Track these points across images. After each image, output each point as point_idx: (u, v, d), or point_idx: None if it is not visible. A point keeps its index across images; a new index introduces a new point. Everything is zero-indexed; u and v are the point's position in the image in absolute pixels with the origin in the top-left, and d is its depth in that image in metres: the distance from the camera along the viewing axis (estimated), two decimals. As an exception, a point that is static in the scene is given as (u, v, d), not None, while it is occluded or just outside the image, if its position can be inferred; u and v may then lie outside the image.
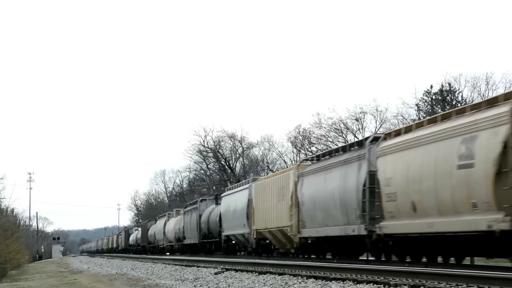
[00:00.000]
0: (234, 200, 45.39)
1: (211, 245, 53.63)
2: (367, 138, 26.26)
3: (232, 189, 48.00)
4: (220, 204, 50.75)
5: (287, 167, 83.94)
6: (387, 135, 24.48)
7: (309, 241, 31.26)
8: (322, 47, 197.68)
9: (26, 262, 65.09)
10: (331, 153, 29.96)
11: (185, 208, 64.11)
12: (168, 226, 72.32)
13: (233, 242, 46.82)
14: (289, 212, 32.83)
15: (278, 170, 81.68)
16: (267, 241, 38.18)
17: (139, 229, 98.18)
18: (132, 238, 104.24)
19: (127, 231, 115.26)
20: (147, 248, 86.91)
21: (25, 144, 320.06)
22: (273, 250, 38.17)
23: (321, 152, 35.02)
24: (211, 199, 58.07)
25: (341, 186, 26.87)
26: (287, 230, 33.16)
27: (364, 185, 24.75)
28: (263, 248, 39.34)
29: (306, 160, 35.64)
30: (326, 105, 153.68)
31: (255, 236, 39.36)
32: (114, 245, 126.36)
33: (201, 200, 58.42)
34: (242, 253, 46.95)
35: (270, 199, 36.26)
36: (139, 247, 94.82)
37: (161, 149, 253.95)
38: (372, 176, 24.28)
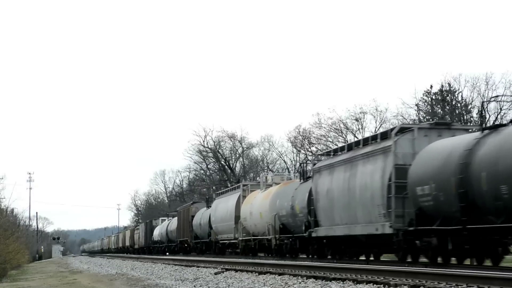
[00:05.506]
0: None
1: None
2: None
3: None
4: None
5: (287, 167, 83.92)
6: None
7: None
8: (322, 47, 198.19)
9: (26, 262, 65.10)
10: None
11: (315, 165, 31.07)
12: (249, 206, 41.29)
13: None
14: None
15: (277, 171, 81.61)
16: None
17: (170, 219, 71.99)
18: (158, 232, 76.01)
19: (149, 222, 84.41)
20: (191, 246, 56.87)
21: (25, 144, 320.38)
22: None
23: None
24: (441, 127, 23.51)
25: None
26: None
27: None
28: None
29: None
30: (326, 105, 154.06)
31: None
32: (127, 243, 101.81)
33: (400, 131, 23.39)
34: None
35: None
36: (171, 245, 67.37)
37: (161, 149, 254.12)
38: None
